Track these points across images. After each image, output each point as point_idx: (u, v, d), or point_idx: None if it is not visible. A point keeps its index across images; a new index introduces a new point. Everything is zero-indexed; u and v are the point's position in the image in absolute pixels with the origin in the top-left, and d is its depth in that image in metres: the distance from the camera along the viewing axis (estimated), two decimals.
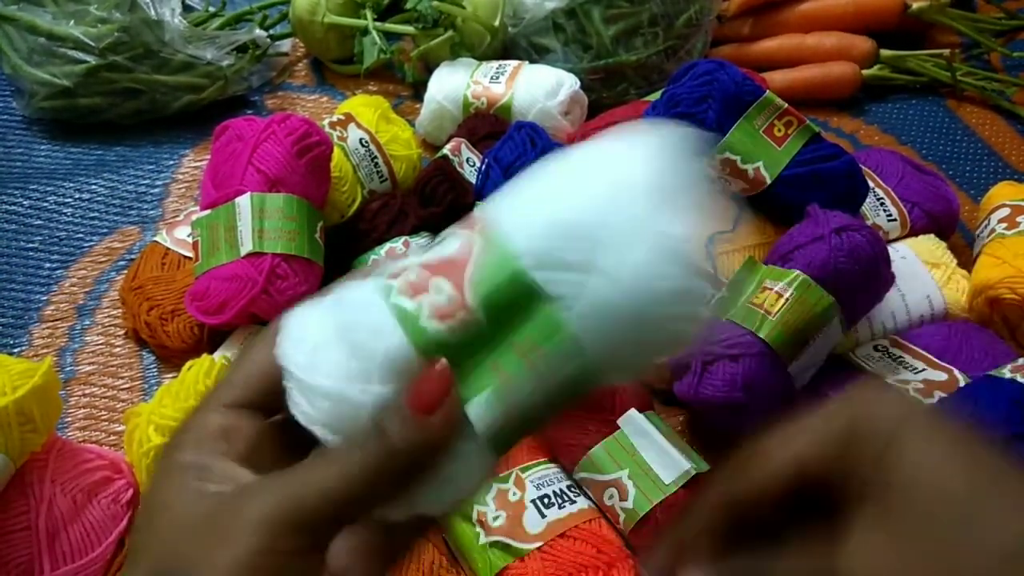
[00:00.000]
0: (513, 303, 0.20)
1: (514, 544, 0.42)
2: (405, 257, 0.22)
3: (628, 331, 0.20)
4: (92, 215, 0.64)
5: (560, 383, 0.21)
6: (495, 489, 0.44)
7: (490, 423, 0.20)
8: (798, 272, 0.48)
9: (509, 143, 0.54)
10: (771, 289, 0.49)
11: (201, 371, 0.44)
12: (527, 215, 0.21)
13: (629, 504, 0.44)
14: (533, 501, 0.43)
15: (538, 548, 0.42)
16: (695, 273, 0.20)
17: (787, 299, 0.47)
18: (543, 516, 0.43)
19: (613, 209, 0.20)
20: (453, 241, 0.21)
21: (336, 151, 0.58)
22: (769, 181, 0.54)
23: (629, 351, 0.21)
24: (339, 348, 0.20)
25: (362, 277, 0.22)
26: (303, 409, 0.20)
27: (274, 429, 0.22)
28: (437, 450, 0.20)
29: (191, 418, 0.22)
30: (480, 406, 0.20)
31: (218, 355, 0.49)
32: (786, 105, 0.55)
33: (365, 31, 0.71)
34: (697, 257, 0.20)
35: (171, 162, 0.68)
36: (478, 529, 0.43)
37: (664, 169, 0.21)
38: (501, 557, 0.42)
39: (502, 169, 0.53)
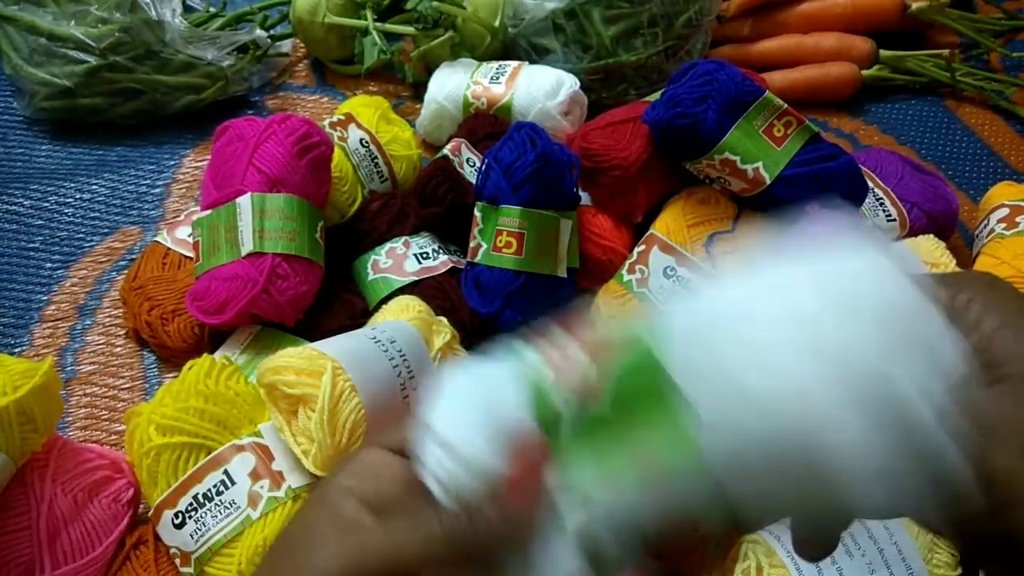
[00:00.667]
0: (646, 401, 0.18)
1: None
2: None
3: (775, 474, 0.16)
4: (93, 215, 0.64)
5: (673, 507, 0.18)
6: None
7: (584, 527, 0.19)
8: None
9: (509, 143, 0.54)
10: None
11: (202, 371, 0.44)
12: (701, 315, 0.18)
13: None
14: None
15: None
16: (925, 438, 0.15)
17: None
18: None
19: (804, 334, 0.16)
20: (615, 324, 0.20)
21: (336, 151, 0.58)
22: (769, 181, 0.55)
23: (767, 498, 0.17)
24: (472, 406, 0.21)
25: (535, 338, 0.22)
26: (423, 458, 0.21)
27: (412, 478, 0.22)
28: (516, 538, 0.20)
29: (358, 452, 0.23)
30: (576, 505, 0.19)
31: (218, 355, 0.49)
32: (786, 105, 0.55)
33: (365, 31, 0.71)
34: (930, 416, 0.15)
35: (172, 162, 0.68)
36: None
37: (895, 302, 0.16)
38: None
39: (502, 169, 0.53)
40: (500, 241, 0.53)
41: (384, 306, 0.52)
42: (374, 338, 0.46)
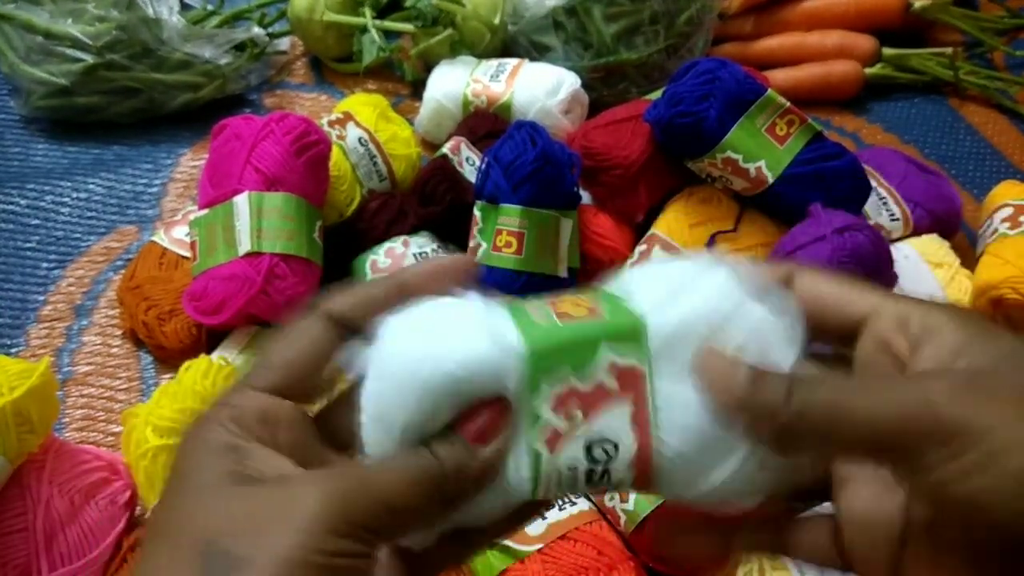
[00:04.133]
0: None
1: (514, 546, 0.41)
2: None
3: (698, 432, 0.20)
4: (90, 214, 0.63)
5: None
6: None
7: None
8: None
9: (509, 142, 0.53)
10: None
11: (199, 372, 0.44)
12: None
13: (630, 506, 0.43)
14: None
15: (538, 550, 0.41)
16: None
17: None
18: (544, 518, 0.42)
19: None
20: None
21: (335, 150, 0.58)
22: (771, 180, 0.54)
23: (693, 459, 0.20)
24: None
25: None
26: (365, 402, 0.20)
27: (309, 422, 0.21)
28: (485, 478, 0.20)
29: (226, 396, 0.20)
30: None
31: (216, 356, 0.49)
32: (788, 104, 0.55)
33: (364, 29, 0.71)
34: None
35: (169, 161, 0.67)
36: None
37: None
38: (501, 559, 0.41)
39: (502, 168, 0.53)
40: (500, 241, 0.53)
41: None
42: None
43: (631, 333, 0.21)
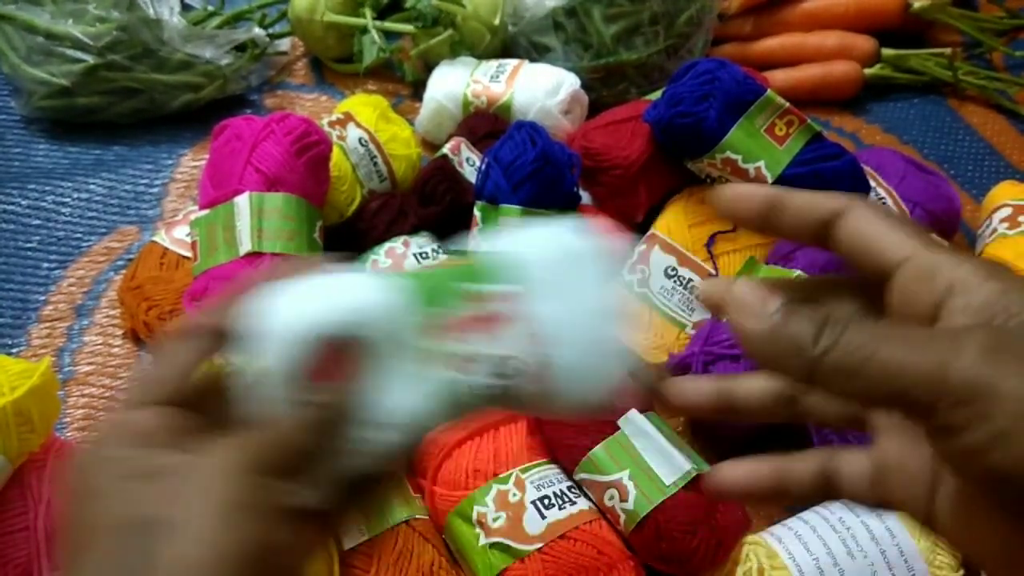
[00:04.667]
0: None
1: (514, 545, 0.42)
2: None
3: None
4: (90, 215, 0.63)
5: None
6: (495, 490, 0.43)
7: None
8: (799, 272, 0.48)
9: (509, 142, 0.53)
10: None
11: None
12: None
13: (630, 505, 0.44)
14: (533, 502, 0.43)
15: (538, 549, 0.41)
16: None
17: None
18: (543, 517, 0.42)
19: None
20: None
21: (335, 150, 0.58)
22: (770, 181, 0.54)
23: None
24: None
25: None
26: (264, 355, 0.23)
27: (192, 420, 0.23)
28: (346, 411, 0.22)
29: (114, 419, 0.23)
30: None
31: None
32: (787, 104, 0.55)
33: (364, 30, 0.71)
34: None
35: (170, 161, 0.68)
36: (478, 530, 0.42)
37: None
38: (501, 558, 0.42)
39: (502, 168, 0.53)
40: None
41: None
42: None
43: (502, 263, 0.24)
